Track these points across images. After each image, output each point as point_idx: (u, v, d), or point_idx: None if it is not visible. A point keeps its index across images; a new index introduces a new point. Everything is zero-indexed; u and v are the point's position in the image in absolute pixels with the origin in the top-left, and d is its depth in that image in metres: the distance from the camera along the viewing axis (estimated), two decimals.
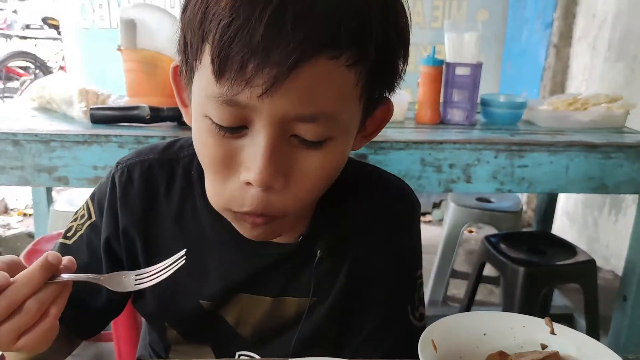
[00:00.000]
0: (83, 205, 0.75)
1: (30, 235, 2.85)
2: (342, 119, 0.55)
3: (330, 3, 0.49)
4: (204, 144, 0.57)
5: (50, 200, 2.09)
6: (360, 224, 0.72)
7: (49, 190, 2.10)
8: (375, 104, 0.60)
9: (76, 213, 0.75)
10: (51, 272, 0.54)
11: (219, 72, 0.50)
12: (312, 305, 0.72)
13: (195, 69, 0.55)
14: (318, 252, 0.69)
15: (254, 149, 0.53)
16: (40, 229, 2.08)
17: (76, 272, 0.70)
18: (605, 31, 2.93)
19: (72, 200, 2.12)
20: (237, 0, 0.48)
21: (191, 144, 0.72)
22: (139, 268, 0.71)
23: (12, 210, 3.27)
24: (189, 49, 0.54)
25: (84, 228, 0.73)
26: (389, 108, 0.64)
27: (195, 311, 0.73)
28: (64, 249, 0.73)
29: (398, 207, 0.74)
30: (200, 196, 0.70)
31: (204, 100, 0.54)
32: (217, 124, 0.54)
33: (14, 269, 0.54)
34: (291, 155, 0.55)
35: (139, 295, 0.75)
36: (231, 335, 0.74)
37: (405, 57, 0.59)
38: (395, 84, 0.60)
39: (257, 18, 0.47)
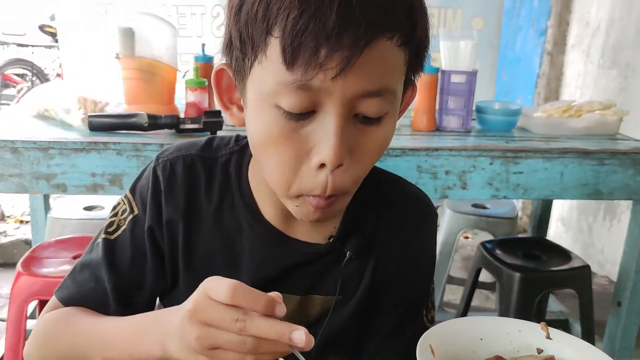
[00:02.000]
0: (122, 201, 0.76)
1: (27, 243, 2.84)
2: (397, 94, 0.60)
3: None
4: (273, 137, 0.59)
5: (47, 207, 2.10)
6: (384, 228, 0.76)
7: (46, 197, 2.10)
8: (407, 85, 0.65)
9: (115, 209, 0.76)
10: None
11: (292, 60, 0.54)
12: (337, 303, 0.75)
13: (255, 63, 0.58)
14: (347, 253, 0.73)
15: (324, 131, 0.57)
16: (37, 236, 2.08)
17: (122, 268, 0.73)
18: (598, 38, 2.96)
19: (70, 207, 2.12)
20: None
21: (227, 143, 0.76)
22: (177, 258, 0.74)
23: (8, 217, 3.26)
24: (247, 46, 0.57)
25: (126, 222, 0.74)
26: (414, 90, 0.69)
27: None
28: (107, 245, 0.74)
29: (419, 215, 0.79)
30: (238, 194, 0.73)
31: (274, 89, 0.56)
32: (287, 112, 0.57)
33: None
34: (355, 134, 0.59)
35: (170, 289, 0.77)
36: None
37: (429, 47, 0.64)
38: (423, 66, 0.65)
39: (327, 6, 0.52)
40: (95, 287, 0.74)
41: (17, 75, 4.88)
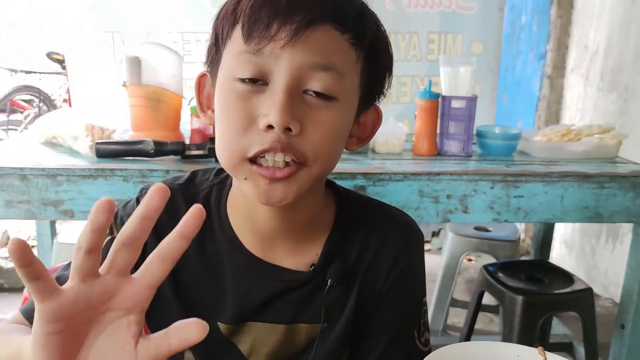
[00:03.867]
0: None
1: None
2: (348, 83, 0.65)
3: None
4: (227, 108, 0.65)
5: (54, 233, 2.12)
6: (369, 253, 0.77)
7: (52, 223, 2.12)
8: (367, 103, 0.71)
9: None
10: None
11: (248, 33, 0.62)
12: (323, 330, 0.76)
13: (224, 51, 0.66)
14: (329, 281, 0.74)
15: (273, 97, 0.62)
16: (43, 261, 2.08)
17: None
18: (597, 62, 3.00)
19: (76, 232, 2.14)
20: None
21: (208, 178, 0.79)
22: (161, 290, 0.73)
23: None
24: (220, 38, 0.66)
25: (104, 244, 0.75)
26: (378, 115, 0.75)
27: (213, 334, 0.75)
28: None
29: (402, 236, 0.79)
30: (218, 226, 0.76)
31: (233, 62, 0.64)
32: (241, 80, 0.63)
33: None
34: (304, 108, 0.63)
35: (153, 313, 0.78)
36: None
37: (390, 72, 0.71)
38: (383, 93, 0.73)
39: None
40: None
41: (24, 101, 4.95)
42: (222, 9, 0.67)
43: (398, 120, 1.96)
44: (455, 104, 1.80)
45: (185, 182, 0.79)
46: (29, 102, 4.96)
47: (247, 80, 0.63)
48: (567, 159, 1.81)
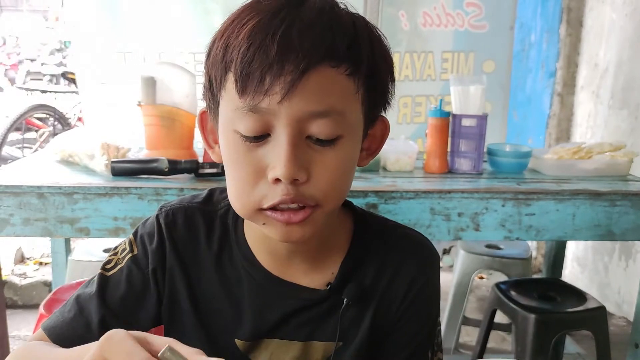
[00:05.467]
0: (124, 242, 0.79)
1: (47, 284, 2.88)
2: (350, 119, 0.65)
3: (326, 24, 0.61)
4: (234, 158, 0.65)
5: (68, 250, 2.14)
6: (385, 276, 0.77)
7: (67, 240, 2.15)
8: (373, 117, 0.71)
9: (115, 249, 0.80)
10: None
11: (242, 88, 0.60)
12: (338, 349, 0.76)
13: (220, 98, 0.65)
14: (344, 300, 0.75)
15: (277, 149, 0.62)
16: (58, 279, 2.12)
17: (112, 303, 0.75)
18: (607, 80, 3.00)
19: (91, 250, 2.16)
20: (252, 30, 0.60)
21: (225, 197, 0.79)
22: (180, 307, 0.77)
23: (28, 259, 3.32)
24: (214, 84, 0.65)
25: (124, 261, 0.77)
26: (385, 125, 0.74)
27: (230, 350, 0.77)
28: (102, 280, 0.77)
29: (419, 258, 0.79)
30: (236, 244, 0.77)
31: (231, 116, 0.63)
32: (244, 136, 0.63)
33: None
34: (309, 154, 0.63)
35: (172, 330, 0.79)
36: None
37: (392, 80, 0.70)
38: (388, 101, 0.72)
39: (270, 39, 0.59)
40: (78, 318, 0.75)
41: (39, 119, 5.02)
42: (210, 50, 0.65)
43: (412, 140, 1.97)
44: (465, 122, 1.82)
45: (204, 201, 0.80)
46: (43, 120, 5.03)
47: (250, 137, 0.62)
48: (579, 177, 1.82)
